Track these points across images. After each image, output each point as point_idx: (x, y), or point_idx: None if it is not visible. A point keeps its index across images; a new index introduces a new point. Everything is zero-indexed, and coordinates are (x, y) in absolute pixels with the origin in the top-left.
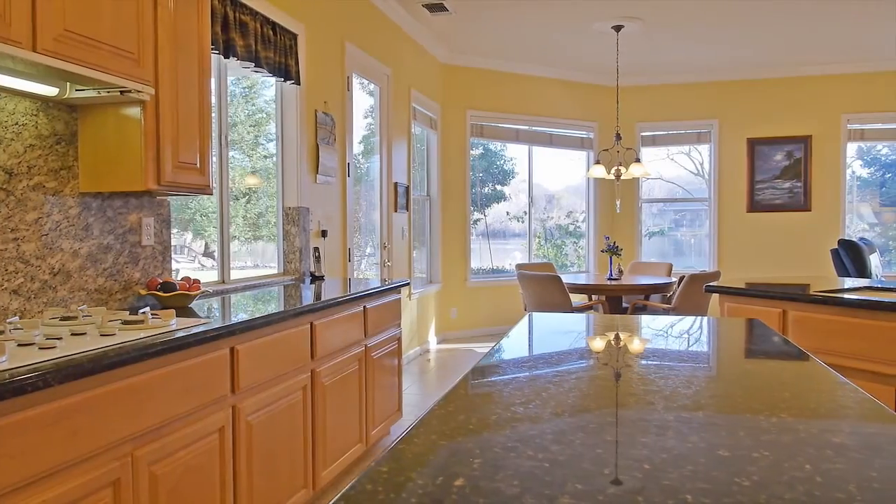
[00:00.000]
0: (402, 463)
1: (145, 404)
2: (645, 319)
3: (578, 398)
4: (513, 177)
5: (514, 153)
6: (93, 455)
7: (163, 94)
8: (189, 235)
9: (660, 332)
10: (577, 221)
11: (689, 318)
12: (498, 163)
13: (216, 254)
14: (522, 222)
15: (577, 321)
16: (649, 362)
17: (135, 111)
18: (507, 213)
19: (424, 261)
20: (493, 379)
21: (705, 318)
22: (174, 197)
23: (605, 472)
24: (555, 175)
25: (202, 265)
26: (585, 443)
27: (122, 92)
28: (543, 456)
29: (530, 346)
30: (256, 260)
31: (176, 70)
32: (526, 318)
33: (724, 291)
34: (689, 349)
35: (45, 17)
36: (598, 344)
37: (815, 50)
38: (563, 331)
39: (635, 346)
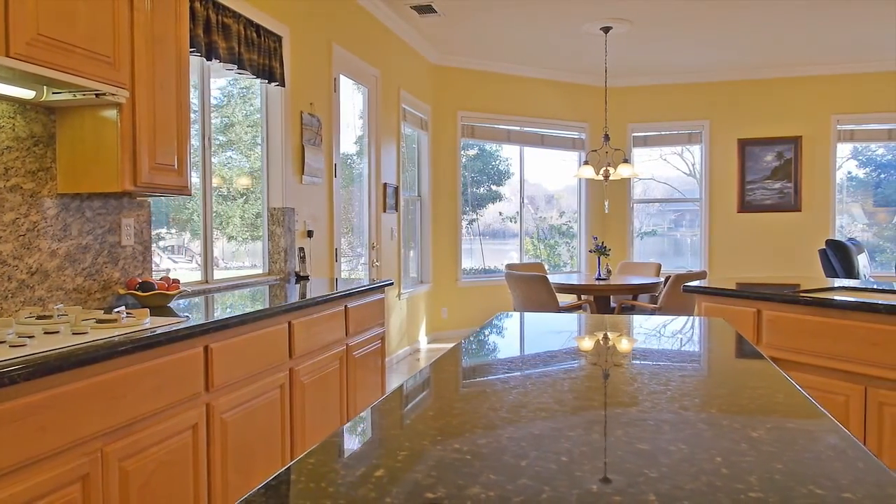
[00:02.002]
0: (330, 455)
1: (116, 401)
2: (618, 319)
3: (519, 395)
4: (508, 177)
5: (510, 153)
6: (61, 451)
7: (139, 96)
8: (187, 235)
9: (620, 331)
10: (569, 222)
11: (651, 318)
12: (493, 163)
13: (200, 254)
14: (515, 222)
15: (545, 321)
16: (599, 361)
17: (111, 113)
18: (500, 214)
19: (415, 261)
20: (440, 376)
21: (666, 318)
22: (154, 197)
23: (522, 465)
24: (554, 175)
25: (199, 265)
26: (512, 437)
27: (97, 95)
28: (468, 449)
29: (483, 346)
30: (255, 260)
31: (153, 72)
32: (492, 319)
33: (701, 291)
34: (643, 348)
35: (17, 22)
36: (554, 344)
37: (806, 51)
38: (521, 331)
39: (586, 345)
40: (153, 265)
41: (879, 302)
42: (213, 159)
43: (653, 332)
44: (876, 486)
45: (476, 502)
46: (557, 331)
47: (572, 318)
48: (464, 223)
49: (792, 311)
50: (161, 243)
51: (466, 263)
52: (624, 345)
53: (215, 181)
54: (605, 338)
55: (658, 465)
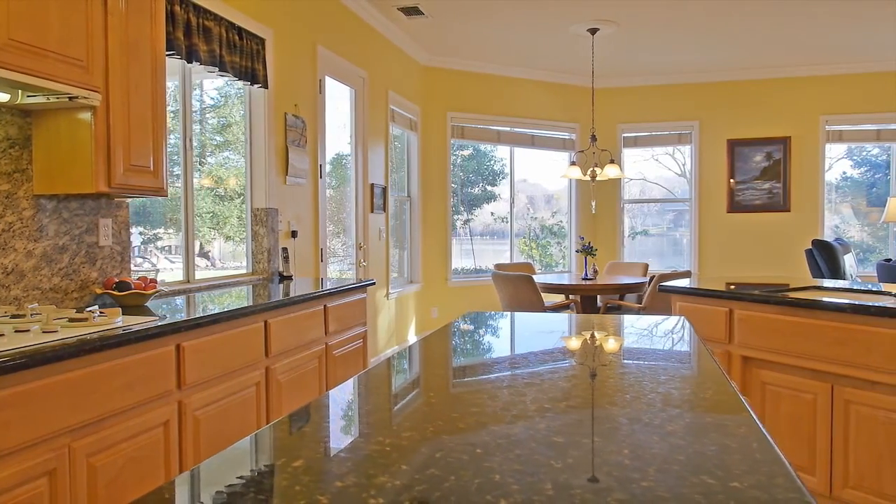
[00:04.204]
0: (259, 446)
1: (84, 398)
2: (584, 318)
3: (459, 391)
4: (504, 177)
5: (505, 154)
6: (27, 446)
7: (113, 99)
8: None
9: (577, 330)
10: (561, 222)
11: (618, 317)
12: (488, 163)
13: (181, 253)
14: (506, 222)
15: (507, 320)
16: (551, 365)
17: (86, 116)
18: (492, 214)
19: (406, 261)
20: (384, 373)
21: (630, 317)
22: (132, 198)
23: (437, 456)
24: (552, 175)
25: (196, 265)
26: (439, 429)
27: (70, 98)
28: (390, 441)
29: (430, 348)
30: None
31: (127, 76)
32: (457, 319)
33: (676, 291)
34: (589, 346)
35: None
36: (508, 343)
37: (794, 52)
38: (478, 329)
39: (537, 345)
40: (150, 265)
41: (845, 302)
42: (210, 159)
43: (608, 331)
44: (766, 475)
45: (379, 489)
46: (517, 331)
47: (542, 317)
48: (459, 223)
49: (762, 311)
50: (159, 243)
51: (464, 263)
52: (571, 344)
53: (210, 181)
54: (573, 337)
55: (565, 457)
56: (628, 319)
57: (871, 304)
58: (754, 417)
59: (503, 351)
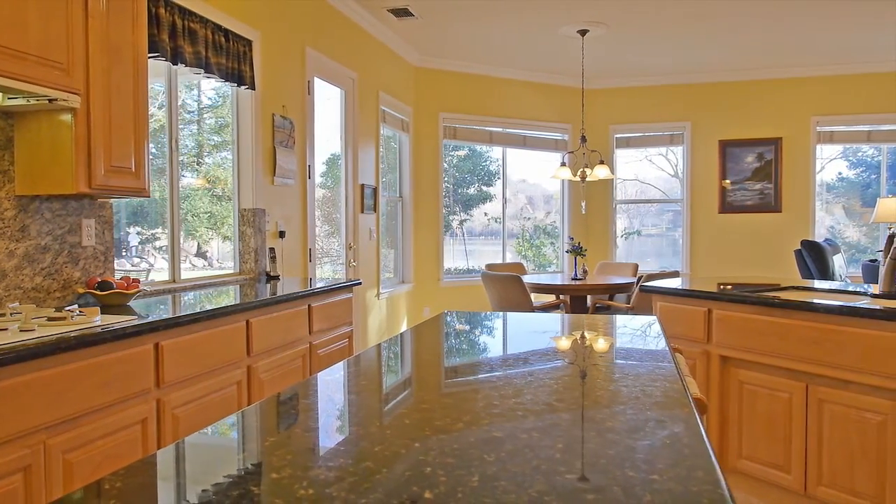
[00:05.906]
0: (211, 440)
1: (60, 396)
2: (564, 318)
3: (412, 389)
4: (498, 178)
5: (500, 155)
6: (1, 442)
7: (94, 101)
8: (181, 235)
9: (550, 330)
10: (555, 222)
11: (595, 317)
12: (483, 164)
13: (193, 254)
14: (499, 223)
15: (477, 320)
16: (512, 367)
17: (66, 117)
18: (486, 215)
19: (399, 261)
20: (349, 370)
21: (601, 317)
22: (114, 199)
23: (376, 450)
24: (546, 176)
25: (193, 265)
26: (383, 425)
27: (50, 101)
28: (342, 437)
29: (404, 347)
30: None
31: (109, 78)
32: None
33: (656, 291)
34: (557, 346)
35: None
36: (477, 342)
37: (785, 53)
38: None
39: (505, 344)
40: (148, 264)
41: (819, 302)
42: (207, 159)
43: (578, 331)
44: (688, 469)
45: (312, 481)
46: (490, 331)
47: (522, 317)
48: (454, 223)
49: (739, 311)
50: (157, 243)
51: (460, 263)
52: (536, 344)
53: (207, 181)
54: (543, 337)
55: (499, 451)
56: (603, 320)
57: (843, 304)
58: (696, 415)
59: (468, 351)
